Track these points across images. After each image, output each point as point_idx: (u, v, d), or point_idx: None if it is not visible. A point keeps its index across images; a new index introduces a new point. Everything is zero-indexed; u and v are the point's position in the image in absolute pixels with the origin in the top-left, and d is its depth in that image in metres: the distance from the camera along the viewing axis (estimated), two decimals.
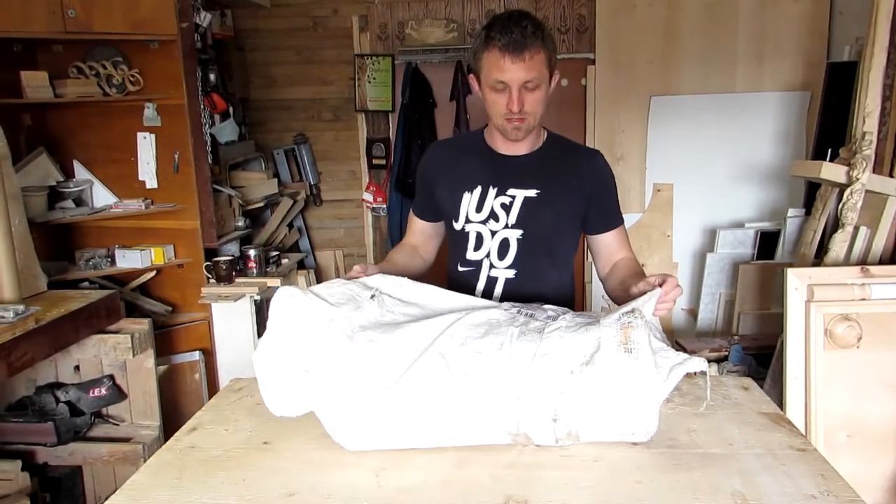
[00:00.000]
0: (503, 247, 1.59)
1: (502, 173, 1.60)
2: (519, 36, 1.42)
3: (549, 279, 1.63)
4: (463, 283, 1.63)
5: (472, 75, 1.57)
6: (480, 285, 1.62)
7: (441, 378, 1.14)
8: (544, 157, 1.62)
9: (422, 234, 1.77)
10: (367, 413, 1.15)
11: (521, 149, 1.61)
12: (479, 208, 1.60)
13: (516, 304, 1.36)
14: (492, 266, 1.61)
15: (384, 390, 1.14)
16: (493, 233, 1.59)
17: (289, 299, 1.23)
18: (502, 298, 1.60)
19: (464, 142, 1.78)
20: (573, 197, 1.60)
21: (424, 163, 1.74)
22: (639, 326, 1.12)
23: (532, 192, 1.57)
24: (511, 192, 1.58)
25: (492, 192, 1.59)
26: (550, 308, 1.34)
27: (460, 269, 1.65)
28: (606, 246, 1.65)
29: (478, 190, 1.60)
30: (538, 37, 1.44)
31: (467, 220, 1.61)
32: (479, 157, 1.64)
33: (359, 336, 1.21)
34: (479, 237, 1.61)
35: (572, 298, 1.71)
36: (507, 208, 1.58)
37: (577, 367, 1.12)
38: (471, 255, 1.62)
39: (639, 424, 1.12)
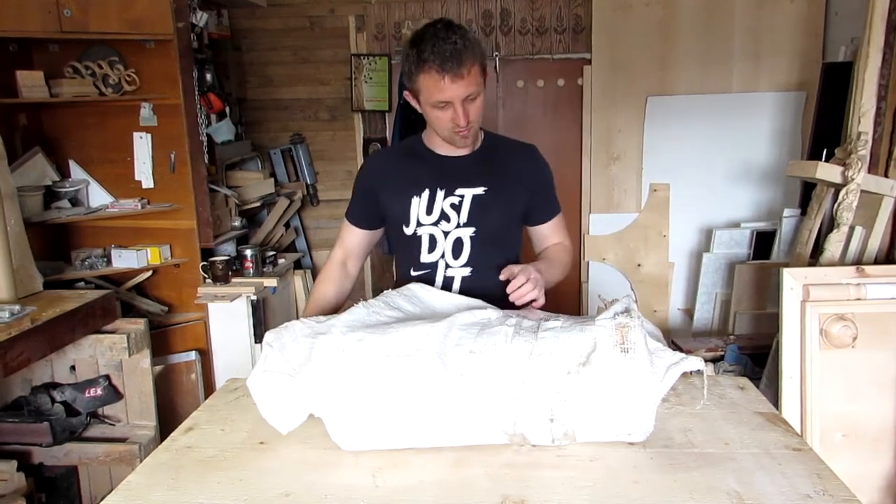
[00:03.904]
0: (457, 246, 1.62)
1: (448, 174, 1.63)
2: (452, 52, 1.43)
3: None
4: None
5: (407, 92, 1.58)
6: (437, 287, 1.62)
7: (438, 378, 1.14)
8: (486, 156, 1.66)
9: (355, 244, 1.76)
10: (363, 413, 1.15)
11: (462, 150, 1.64)
12: (429, 211, 1.62)
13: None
14: (447, 266, 1.63)
15: (379, 389, 1.14)
16: (446, 233, 1.62)
17: (262, 374, 1.23)
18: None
19: (403, 149, 1.77)
20: (518, 192, 1.65)
21: (364, 172, 1.75)
22: (635, 327, 1.12)
23: (480, 190, 1.61)
24: (459, 191, 1.61)
25: (440, 193, 1.62)
26: (541, 311, 1.34)
27: (414, 273, 1.65)
28: (543, 235, 1.75)
29: (426, 193, 1.62)
30: (469, 48, 1.45)
31: (419, 224, 1.63)
32: (423, 162, 1.66)
33: (349, 336, 1.21)
34: (433, 239, 1.63)
35: None
36: (456, 208, 1.61)
37: (574, 368, 1.12)
38: (425, 257, 1.64)
39: (635, 424, 1.12)
